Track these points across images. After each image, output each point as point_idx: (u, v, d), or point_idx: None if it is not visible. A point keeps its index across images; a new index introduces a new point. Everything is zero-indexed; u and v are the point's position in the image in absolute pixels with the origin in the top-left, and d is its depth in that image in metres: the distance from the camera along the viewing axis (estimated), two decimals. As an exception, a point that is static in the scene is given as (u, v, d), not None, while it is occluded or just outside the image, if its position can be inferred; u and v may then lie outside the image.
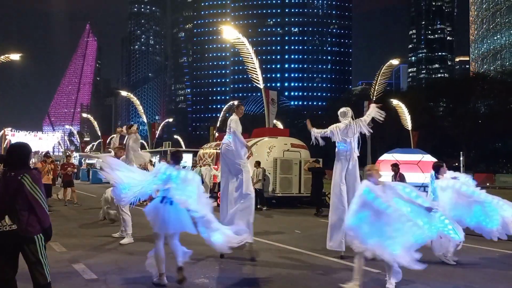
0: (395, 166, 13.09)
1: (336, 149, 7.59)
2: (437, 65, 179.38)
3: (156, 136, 48.83)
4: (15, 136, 55.76)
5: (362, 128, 7.53)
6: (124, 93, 55.69)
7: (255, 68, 22.98)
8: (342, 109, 7.86)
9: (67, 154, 25.10)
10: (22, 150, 3.93)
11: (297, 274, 6.35)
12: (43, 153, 19.58)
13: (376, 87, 30.88)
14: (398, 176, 12.77)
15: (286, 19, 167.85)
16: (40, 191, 3.75)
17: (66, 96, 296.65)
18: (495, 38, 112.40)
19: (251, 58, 22.90)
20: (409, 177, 13.03)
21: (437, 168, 7.26)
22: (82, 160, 42.62)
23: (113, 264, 6.68)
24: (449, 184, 6.87)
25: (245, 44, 22.71)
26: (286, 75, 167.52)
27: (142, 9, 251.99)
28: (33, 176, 3.76)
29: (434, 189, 7.06)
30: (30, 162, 4.38)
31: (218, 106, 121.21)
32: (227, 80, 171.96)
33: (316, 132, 7.76)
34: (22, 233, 3.68)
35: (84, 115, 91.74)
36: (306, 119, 8.46)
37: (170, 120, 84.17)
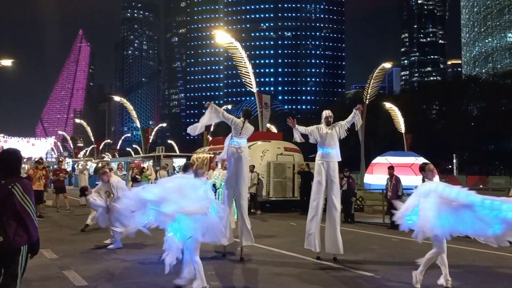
0: (392, 169, 13.10)
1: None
2: (429, 68, 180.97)
3: (150, 141, 48.62)
4: (7, 143, 55.29)
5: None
6: (117, 98, 55.40)
7: (248, 72, 23.01)
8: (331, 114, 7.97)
9: (59, 159, 24.86)
10: (13, 157, 3.74)
11: (290, 279, 6.30)
12: (36, 160, 19.33)
13: (369, 90, 30.96)
14: (394, 179, 12.77)
15: (279, 24, 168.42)
16: (31, 202, 3.55)
17: (59, 102, 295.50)
18: (487, 41, 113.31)
19: (244, 63, 22.92)
20: (403, 180, 13.03)
21: (422, 169, 6.25)
22: (75, 166, 42.30)
23: (104, 271, 6.60)
24: (432, 187, 5.76)
25: (238, 49, 22.74)
26: (280, 79, 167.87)
27: (135, 14, 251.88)
28: (24, 186, 3.57)
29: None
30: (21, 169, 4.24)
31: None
32: (221, 84, 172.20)
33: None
34: (8, 245, 3.44)
35: (78, 120, 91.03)
36: (291, 119, 8.26)
37: (164, 125, 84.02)
